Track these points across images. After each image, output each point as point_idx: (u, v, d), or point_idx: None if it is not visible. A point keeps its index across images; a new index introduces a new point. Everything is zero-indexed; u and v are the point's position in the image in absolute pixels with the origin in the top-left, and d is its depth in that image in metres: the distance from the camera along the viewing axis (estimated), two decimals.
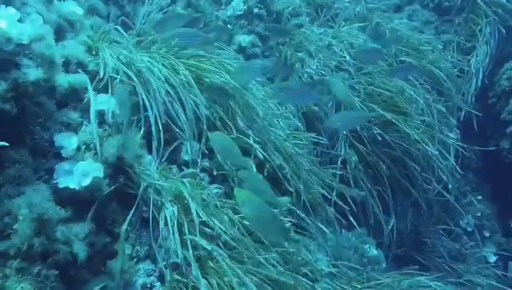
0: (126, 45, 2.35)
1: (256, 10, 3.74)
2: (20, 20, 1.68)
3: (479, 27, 3.82)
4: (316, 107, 3.18)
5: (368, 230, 3.01)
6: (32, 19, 1.80)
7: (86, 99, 1.93)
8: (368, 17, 3.97)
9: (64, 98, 1.87)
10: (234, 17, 3.72)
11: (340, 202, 2.59)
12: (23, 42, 1.63)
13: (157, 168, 2.05)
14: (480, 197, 3.75)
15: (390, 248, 2.98)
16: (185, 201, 1.79)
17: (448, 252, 3.17)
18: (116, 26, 2.41)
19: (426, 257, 3.12)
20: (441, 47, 3.61)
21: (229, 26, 3.66)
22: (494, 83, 3.75)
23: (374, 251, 2.93)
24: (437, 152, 2.98)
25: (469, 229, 3.52)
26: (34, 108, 1.68)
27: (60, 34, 2.21)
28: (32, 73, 1.62)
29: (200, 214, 1.75)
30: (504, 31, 3.79)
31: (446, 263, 3.12)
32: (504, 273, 3.30)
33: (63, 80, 1.88)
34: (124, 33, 2.37)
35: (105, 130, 1.92)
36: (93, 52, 2.23)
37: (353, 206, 2.74)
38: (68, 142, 1.73)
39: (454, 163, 3.10)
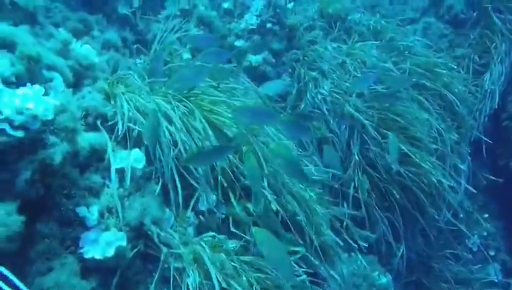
0: (141, 87, 2.36)
1: (269, 25, 3.68)
2: (45, 93, 1.69)
3: (494, 44, 3.77)
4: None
5: (379, 256, 3.09)
6: (55, 86, 1.81)
7: (106, 160, 1.96)
8: (382, 31, 3.92)
9: (86, 160, 1.90)
10: (247, 32, 3.67)
11: (351, 241, 2.65)
12: (48, 118, 1.65)
13: (175, 219, 2.11)
14: (486, 215, 3.81)
15: (400, 275, 3.06)
16: (205, 266, 1.85)
17: (455, 276, 3.25)
18: (130, 73, 2.40)
19: (432, 281, 3.21)
20: (455, 67, 3.57)
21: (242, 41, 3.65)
22: (507, 102, 3.73)
23: (383, 279, 3.01)
24: (450, 183, 3.01)
25: (474, 249, 3.60)
26: (59, 181, 1.72)
27: (77, 81, 2.22)
28: (59, 150, 1.64)
29: (220, 280, 1.82)
30: None
31: (452, 288, 3.20)
32: None
33: (85, 141, 1.90)
34: (138, 80, 2.36)
35: (126, 189, 1.96)
36: (111, 101, 2.24)
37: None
38: (90, 212, 1.77)
39: (464, 197, 3.13)
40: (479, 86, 3.66)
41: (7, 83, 1.66)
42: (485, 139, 3.54)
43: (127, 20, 3.30)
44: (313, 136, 3.15)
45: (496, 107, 3.60)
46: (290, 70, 3.70)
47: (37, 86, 1.64)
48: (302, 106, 3.44)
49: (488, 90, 3.61)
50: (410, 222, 3.14)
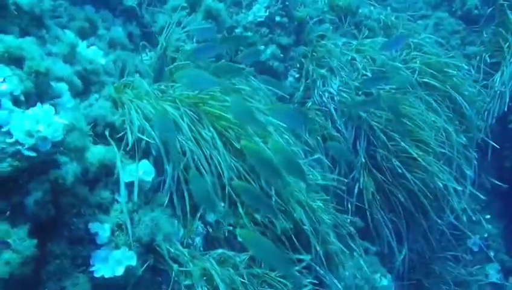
0: (148, 91, 2.32)
1: (278, 18, 3.59)
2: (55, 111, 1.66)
3: (507, 43, 3.69)
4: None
5: (381, 256, 3.12)
6: (63, 103, 1.78)
7: (115, 174, 1.94)
8: (392, 26, 3.84)
9: (95, 176, 1.88)
10: (255, 24, 3.57)
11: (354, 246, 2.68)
12: (58, 139, 1.62)
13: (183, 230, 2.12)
14: (488, 216, 3.82)
15: (401, 276, 3.10)
16: (215, 283, 1.87)
17: (454, 278, 3.29)
18: (137, 78, 2.35)
19: (432, 283, 3.26)
20: (466, 67, 3.51)
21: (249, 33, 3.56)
22: None
23: (384, 281, 3.06)
24: (456, 186, 3.01)
25: (475, 249, 3.64)
26: (69, 200, 1.70)
27: (85, 87, 2.18)
28: (70, 170, 1.63)
29: None
30: None
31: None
32: None
33: (94, 156, 1.87)
34: (145, 83, 2.31)
35: (135, 203, 1.95)
36: (119, 109, 2.20)
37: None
38: (101, 230, 1.77)
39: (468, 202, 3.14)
40: (489, 86, 3.60)
41: (16, 102, 1.63)
42: (492, 143, 3.51)
43: (133, 12, 3.22)
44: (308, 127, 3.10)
45: (506, 109, 3.56)
46: (298, 65, 3.63)
47: (46, 106, 1.61)
48: (309, 104, 3.40)
49: (498, 91, 3.56)
50: (412, 223, 3.16)
